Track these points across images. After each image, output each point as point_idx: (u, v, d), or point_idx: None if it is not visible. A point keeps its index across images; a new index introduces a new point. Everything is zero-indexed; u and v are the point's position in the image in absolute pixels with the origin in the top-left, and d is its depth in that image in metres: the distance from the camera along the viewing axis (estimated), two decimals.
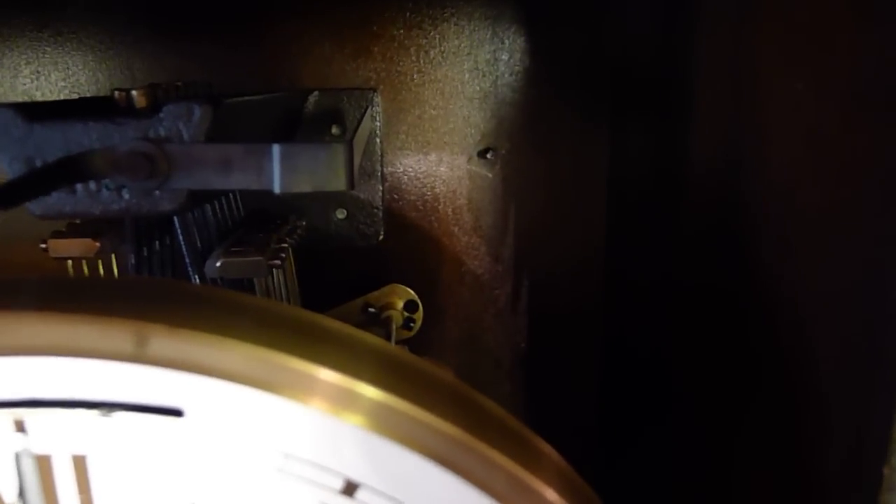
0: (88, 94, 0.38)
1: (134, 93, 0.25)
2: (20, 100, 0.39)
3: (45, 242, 0.30)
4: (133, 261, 0.30)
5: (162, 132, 0.23)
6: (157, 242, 0.31)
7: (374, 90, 0.39)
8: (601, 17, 0.39)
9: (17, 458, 0.17)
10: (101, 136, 0.23)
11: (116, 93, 0.27)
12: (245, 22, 0.39)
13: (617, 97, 0.40)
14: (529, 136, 0.41)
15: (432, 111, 0.40)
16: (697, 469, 0.32)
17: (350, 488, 0.17)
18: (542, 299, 0.43)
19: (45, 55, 0.39)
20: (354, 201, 0.40)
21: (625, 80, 0.39)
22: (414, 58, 0.39)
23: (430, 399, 0.17)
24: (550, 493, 0.17)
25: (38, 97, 0.39)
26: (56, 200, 0.23)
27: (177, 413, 0.17)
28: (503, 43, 0.40)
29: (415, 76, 0.40)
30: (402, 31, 0.39)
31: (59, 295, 0.17)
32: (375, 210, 0.40)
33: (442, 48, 0.39)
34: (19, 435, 0.17)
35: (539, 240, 0.42)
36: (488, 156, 0.40)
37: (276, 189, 0.21)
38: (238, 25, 0.39)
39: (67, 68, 0.39)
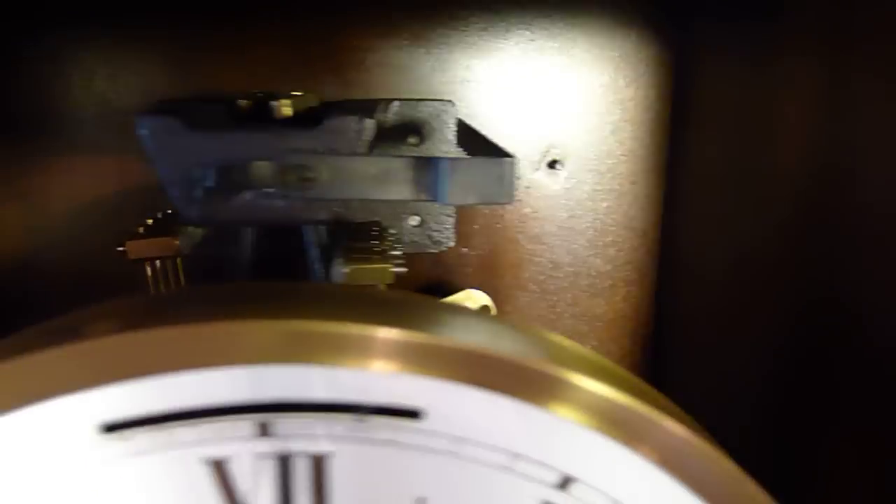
0: (165, 99, 0.38)
1: (275, 102, 0.26)
2: (96, 103, 0.38)
3: (121, 246, 0.30)
4: (248, 267, 0.30)
5: (325, 143, 0.24)
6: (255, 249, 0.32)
7: (451, 101, 0.40)
8: (671, 29, 0.41)
9: (259, 460, 0.17)
10: (264, 146, 0.23)
11: (242, 100, 0.28)
12: (323, 31, 0.39)
13: (682, 113, 0.42)
14: (594, 149, 0.42)
15: (503, 123, 0.41)
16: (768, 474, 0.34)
17: (565, 482, 0.19)
18: (597, 305, 0.45)
19: (121, 59, 0.38)
20: (427, 209, 0.41)
21: (692, 95, 0.41)
22: (488, 71, 0.41)
23: (634, 393, 0.19)
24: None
25: (114, 101, 0.39)
26: (212, 207, 0.24)
27: (415, 414, 0.18)
28: (572, 57, 0.41)
29: (488, 89, 0.41)
30: (477, 44, 0.40)
31: (303, 302, 0.18)
32: (447, 217, 0.41)
33: (515, 62, 0.41)
34: (264, 439, 0.17)
35: (596, 248, 0.44)
36: (556, 167, 0.42)
37: (445, 201, 0.22)
38: (316, 34, 0.39)
39: (143, 73, 0.39)
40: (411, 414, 0.18)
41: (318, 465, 0.18)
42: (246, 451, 0.17)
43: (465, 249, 0.42)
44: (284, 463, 0.17)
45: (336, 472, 0.18)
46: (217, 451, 0.17)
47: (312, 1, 0.39)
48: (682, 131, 0.42)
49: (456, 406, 0.17)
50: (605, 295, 0.45)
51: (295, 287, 0.22)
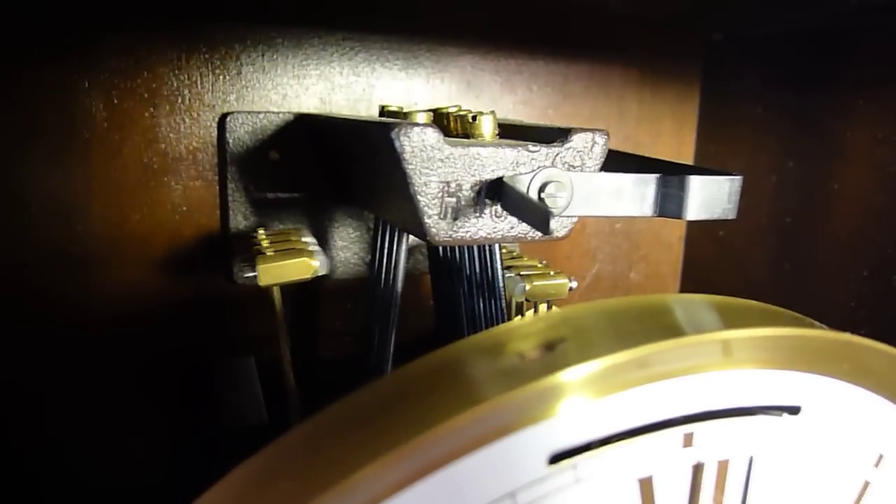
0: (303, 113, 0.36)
1: (479, 118, 0.26)
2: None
3: (250, 271, 0.27)
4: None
5: (568, 160, 0.24)
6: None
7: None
8: (701, 46, 0.46)
9: (677, 471, 0.18)
10: (516, 162, 0.23)
11: (424, 115, 0.27)
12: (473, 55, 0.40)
13: (708, 132, 0.47)
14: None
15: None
16: None
17: (879, 460, 0.21)
18: None
19: (249, 75, 0.35)
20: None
21: (718, 116, 0.46)
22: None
23: None
24: None
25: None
26: (460, 226, 0.23)
27: (795, 410, 0.19)
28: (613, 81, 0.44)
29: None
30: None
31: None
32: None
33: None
34: (686, 449, 0.17)
35: (631, 261, 0.47)
36: None
37: (685, 217, 0.24)
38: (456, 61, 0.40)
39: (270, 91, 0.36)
40: (792, 410, 0.19)
41: (724, 468, 0.18)
42: (669, 464, 0.17)
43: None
44: (696, 471, 0.18)
45: (734, 473, 0.18)
46: (647, 468, 0.17)
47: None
48: (707, 149, 0.47)
49: (825, 399, 0.19)
50: None
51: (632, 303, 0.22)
